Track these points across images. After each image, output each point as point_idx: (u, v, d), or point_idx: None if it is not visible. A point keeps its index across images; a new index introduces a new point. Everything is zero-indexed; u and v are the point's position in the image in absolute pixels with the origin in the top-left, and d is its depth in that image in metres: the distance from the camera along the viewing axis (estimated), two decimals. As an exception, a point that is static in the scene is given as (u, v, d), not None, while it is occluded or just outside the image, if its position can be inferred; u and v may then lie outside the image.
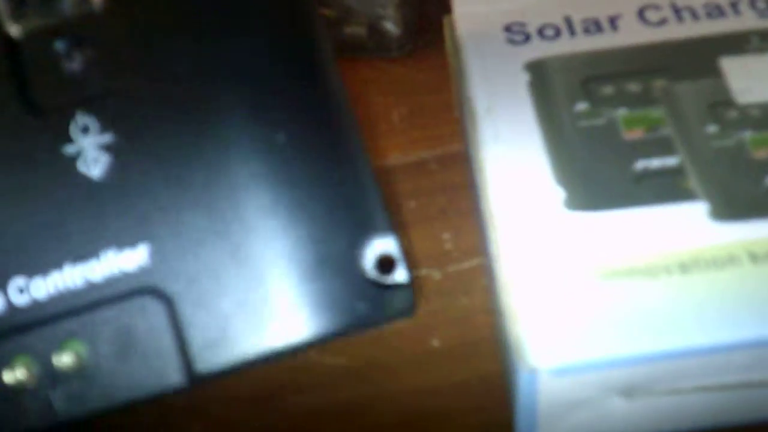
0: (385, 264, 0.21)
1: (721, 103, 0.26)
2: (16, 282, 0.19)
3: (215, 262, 0.19)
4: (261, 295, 0.19)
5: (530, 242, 0.25)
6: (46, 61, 0.20)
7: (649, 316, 0.23)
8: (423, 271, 0.31)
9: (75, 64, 0.20)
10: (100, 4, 0.20)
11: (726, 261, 0.24)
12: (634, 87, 0.27)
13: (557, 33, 0.29)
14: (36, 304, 0.19)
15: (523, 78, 0.28)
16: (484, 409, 0.28)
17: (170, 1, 0.20)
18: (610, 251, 0.24)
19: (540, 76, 0.28)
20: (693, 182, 0.25)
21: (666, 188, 0.25)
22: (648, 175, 0.25)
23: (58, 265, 0.19)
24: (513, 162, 0.26)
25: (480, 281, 0.30)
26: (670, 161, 0.26)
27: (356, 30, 0.36)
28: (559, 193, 0.25)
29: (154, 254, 0.19)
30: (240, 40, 0.20)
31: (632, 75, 0.27)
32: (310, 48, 0.21)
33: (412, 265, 0.26)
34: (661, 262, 0.24)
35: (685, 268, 0.24)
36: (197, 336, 0.19)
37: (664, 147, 0.26)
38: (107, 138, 0.19)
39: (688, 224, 0.24)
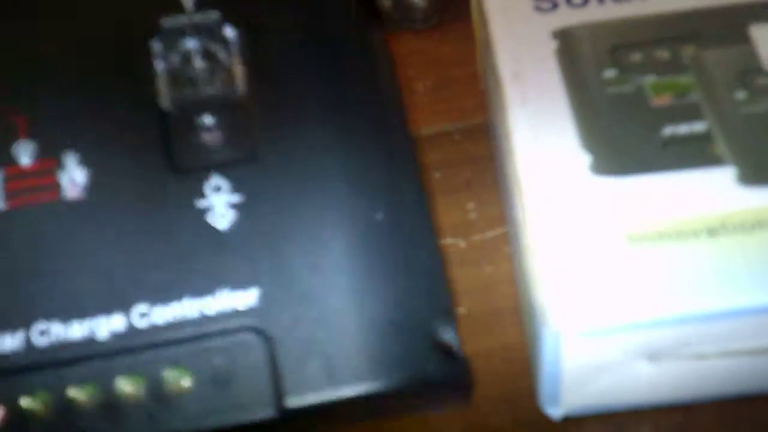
0: (443, 349, 0.23)
1: (750, 70, 0.26)
2: (139, 308, 0.22)
3: (314, 313, 0.22)
4: (347, 347, 0.22)
5: (556, 206, 0.25)
6: (190, 131, 0.23)
7: (676, 279, 0.23)
8: (448, 241, 0.31)
9: (214, 136, 0.23)
10: (243, 89, 0.23)
11: (754, 225, 0.24)
12: (662, 54, 0.27)
13: (585, 0, 0.29)
14: (154, 329, 0.22)
15: (551, 45, 0.28)
16: (507, 377, 0.28)
17: (298, 94, 0.23)
18: (637, 215, 0.24)
19: (568, 43, 0.28)
20: (721, 148, 0.25)
21: (693, 154, 0.25)
22: (675, 140, 0.25)
23: (179, 297, 0.22)
24: (539, 127, 0.26)
25: (504, 250, 0.30)
26: (698, 127, 0.25)
27: (382, 2, 0.36)
28: (585, 158, 0.25)
29: (263, 297, 0.22)
30: (351, 131, 0.24)
31: (661, 42, 0.27)
32: (405, 142, 0.25)
33: (437, 235, 0.26)
34: (689, 227, 0.24)
35: (713, 232, 0.24)
36: (290, 375, 0.21)
37: (692, 113, 0.26)
38: (236, 198, 0.22)
39: (715, 189, 0.24)
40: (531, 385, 0.27)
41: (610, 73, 0.27)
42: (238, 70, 0.24)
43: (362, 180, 0.23)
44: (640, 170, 0.25)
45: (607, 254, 0.24)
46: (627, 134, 0.25)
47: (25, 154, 0.23)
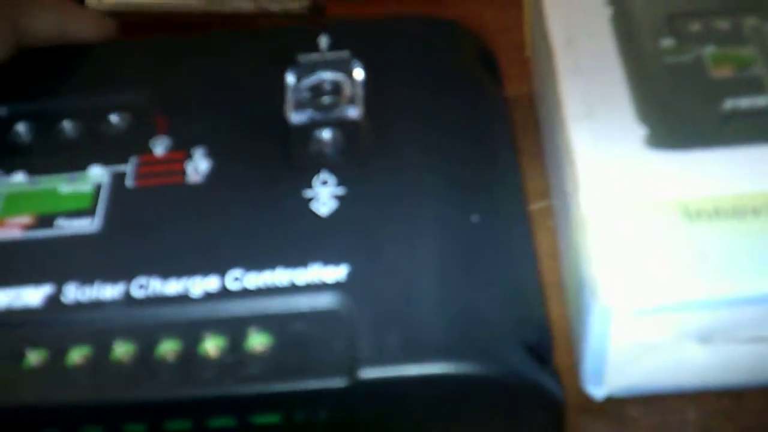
0: (534, 350, 0.23)
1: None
2: (234, 273, 0.24)
3: (400, 293, 0.23)
4: (431, 327, 0.22)
5: (610, 179, 0.24)
6: (308, 140, 0.26)
7: (733, 258, 0.22)
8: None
9: (329, 145, 0.26)
10: (361, 112, 0.27)
11: (819, 204, 0.23)
12: (723, 24, 0.26)
13: (642, -34, 0.28)
14: (245, 292, 0.23)
15: (606, 12, 0.27)
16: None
17: (407, 120, 0.27)
18: (695, 191, 0.23)
19: (623, 10, 0.27)
20: (785, 124, 0.24)
21: (755, 128, 0.24)
22: (737, 114, 0.24)
23: (272, 266, 0.24)
24: (593, 97, 0.25)
25: (547, 224, 0.29)
26: (761, 101, 0.24)
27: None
28: (641, 131, 0.24)
29: (351, 274, 0.23)
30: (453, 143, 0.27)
31: (721, 12, 0.26)
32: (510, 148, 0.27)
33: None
34: (749, 204, 0.23)
35: (773, 211, 0.23)
36: (369, 348, 0.22)
37: (754, 86, 0.25)
38: (340, 191, 0.25)
39: (778, 166, 0.23)
40: (572, 363, 0.26)
41: (667, 42, 0.26)
42: (359, 97, 0.27)
43: (459, 183, 0.25)
44: (699, 144, 0.24)
45: (663, 230, 0.23)
46: (685, 107, 0.25)
47: (159, 147, 0.27)
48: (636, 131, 0.24)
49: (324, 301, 0.23)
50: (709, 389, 0.25)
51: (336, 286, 0.23)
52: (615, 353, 0.24)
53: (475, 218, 0.25)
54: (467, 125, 0.27)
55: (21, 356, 0.22)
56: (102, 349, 0.23)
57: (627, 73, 0.25)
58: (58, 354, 0.22)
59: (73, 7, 0.32)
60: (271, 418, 0.22)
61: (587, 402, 0.26)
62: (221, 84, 0.28)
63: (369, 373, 0.22)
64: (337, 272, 0.23)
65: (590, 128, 0.25)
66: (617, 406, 0.26)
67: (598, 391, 0.25)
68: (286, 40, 0.30)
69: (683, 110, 0.25)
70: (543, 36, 0.27)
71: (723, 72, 0.25)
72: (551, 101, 0.26)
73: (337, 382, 0.22)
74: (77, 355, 0.22)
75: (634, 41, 0.26)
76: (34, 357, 0.22)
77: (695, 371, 0.24)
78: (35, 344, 0.23)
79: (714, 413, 0.25)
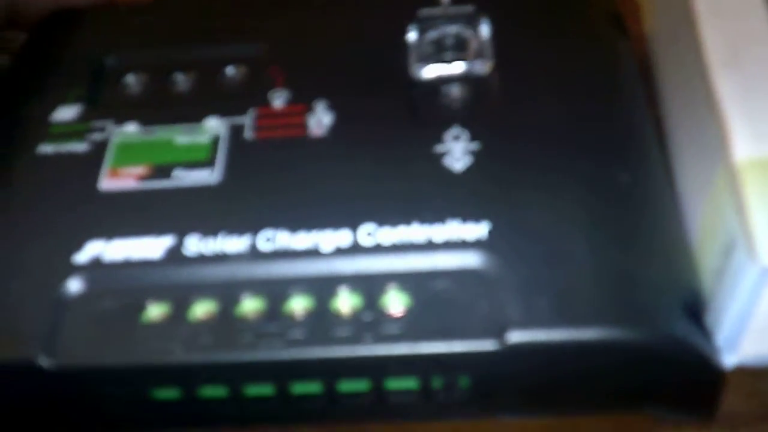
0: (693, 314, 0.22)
1: None
2: (366, 227, 0.23)
3: (547, 252, 0.22)
4: (575, 292, 0.21)
5: (764, 130, 0.22)
6: (435, 95, 0.26)
7: None
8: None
9: (457, 101, 0.25)
10: (489, 66, 0.26)
11: None
12: None
13: None
14: (380, 248, 0.22)
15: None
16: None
17: (538, 72, 0.26)
18: None
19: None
20: None
21: None
22: None
23: (407, 222, 0.22)
24: (739, 38, 0.24)
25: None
26: None
27: None
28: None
29: (493, 232, 0.22)
30: (587, 97, 0.25)
31: None
32: (644, 116, 0.26)
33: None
34: None
35: None
36: (514, 311, 0.21)
37: None
38: (474, 145, 0.24)
39: None
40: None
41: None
42: (487, 52, 0.26)
43: (599, 139, 0.24)
44: None
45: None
46: None
47: (278, 100, 0.26)
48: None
49: (465, 259, 0.22)
50: None
51: (477, 245, 0.22)
52: (761, 319, 0.22)
53: (624, 176, 0.23)
54: (600, 80, 0.26)
55: (140, 310, 0.21)
56: (227, 304, 0.21)
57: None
58: (180, 309, 0.21)
59: None
60: (407, 383, 0.21)
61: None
62: (339, 38, 0.28)
63: (519, 336, 0.20)
64: (478, 230, 0.22)
65: (737, 75, 0.23)
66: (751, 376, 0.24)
67: (731, 359, 0.24)
68: None
69: None
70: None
71: None
72: (684, 45, 0.25)
73: (485, 346, 0.20)
74: (201, 310, 0.21)
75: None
76: (154, 311, 0.21)
77: None
78: (156, 298, 0.22)
79: None
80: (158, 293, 0.22)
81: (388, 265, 0.22)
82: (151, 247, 0.23)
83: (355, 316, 0.21)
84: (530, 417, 0.23)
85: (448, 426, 0.23)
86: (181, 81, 0.27)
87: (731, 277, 0.22)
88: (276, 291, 0.22)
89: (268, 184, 0.24)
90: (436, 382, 0.21)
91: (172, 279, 0.22)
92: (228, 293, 0.22)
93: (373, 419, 0.22)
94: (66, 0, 0.31)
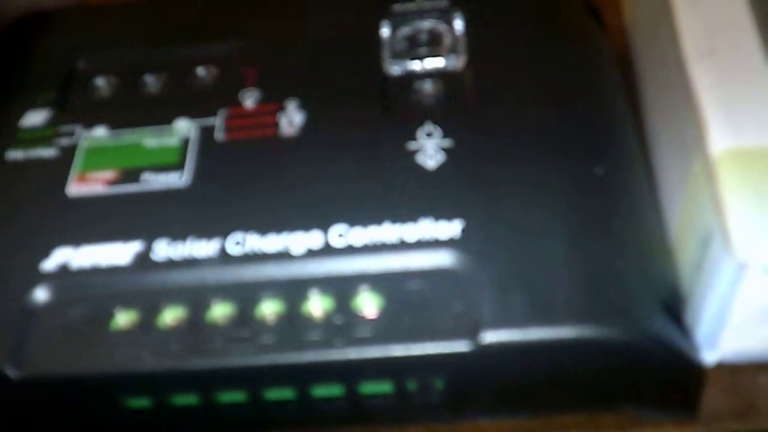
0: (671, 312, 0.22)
1: None
2: (337, 228, 0.22)
3: (520, 250, 0.21)
4: (551, 290, 0.21)
5: (739, 123, 0.22)
6: (408, 91, 0.25)
7: None
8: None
9: (430, 96, 0.25)
10: (462, 61, 0.26)
11: None
12: None
13: None
14: (352, 249, 0.22)
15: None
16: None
17: (513, 68, 0.25)
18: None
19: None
20: None
21: None
22: None
23: (379, 222, 0.22)
24: (716, 33, 0.23)
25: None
26: None
27: None
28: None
29: (467, 230, 0.22)
30: (563, 91, 0.25)
31: None
32: (624, 107, 0.25)
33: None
34: None
35: None
36: (488, 311, 0.21)
37: None
38: (447, 143, 0.24)
39: None
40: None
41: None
42: (460, 47, 0.26)
43: (575, 133, 0.24)
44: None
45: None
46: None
47: (249, 99, 0.26)
48: (765, 68, 0.22)
49: (438, 259, 0.21)
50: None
51: (450, 243, 0.22)
52: (739, 314, 0.22)
53: (599, 171, 0.23)
54: (575, 75, 0.25)
55: (109, 318, 0.21)
56: (197, 309, 0.21)
57: (752, 3, 0.23)
58: (149, 315, 0.21)
59: None
60: (381, 387, 0.21)
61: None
62: (311, 35, 0.27)
63: (493, 336, 0.20)
64: (451, 228, 0.22)
65: (713, 67, 0.23)
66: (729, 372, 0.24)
67: (710, 355, 0.23)
68: None
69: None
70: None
71: None
72: (662, 37, 0.24)
73: (459, 346, 0.20)
74: (170, 317, 0.21)
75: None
76: (123, 318, 0.21)
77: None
78: (124, 305, 0.21)
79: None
80: (127, 300, 0.21)
81: (360, 267, 0.22)
82: (119, 253, 0.22)
83: (327, 320, 0.21)
84: (507, 418, 0.22)
85: (424, 429, 0.23)
86: (151, 83, 0.26)
87: (708, 272, 0.22)
88: (246, 295, 0.21)
89: (238, 186, 0.23)
90: (411, 385, 0.21)
91: (141, 285, 0.22)
92: (198, 299, 0.21)
93: (349, 423, 0.22)
94: (39, 3, 0.31)
